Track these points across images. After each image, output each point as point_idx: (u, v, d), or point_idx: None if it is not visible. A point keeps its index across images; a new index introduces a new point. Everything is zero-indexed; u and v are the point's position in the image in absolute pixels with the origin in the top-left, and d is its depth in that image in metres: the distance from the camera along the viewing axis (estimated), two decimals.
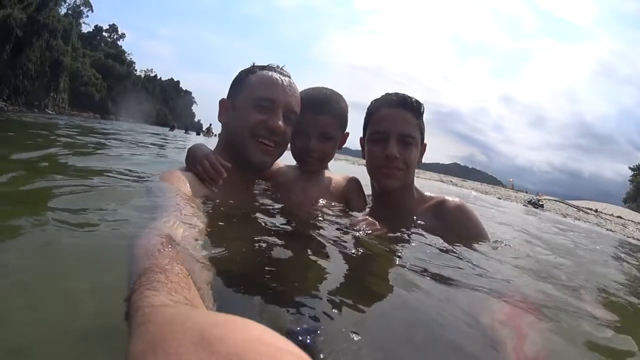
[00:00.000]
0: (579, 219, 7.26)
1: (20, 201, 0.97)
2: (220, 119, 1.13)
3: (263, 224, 0.97)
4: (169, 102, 68.37)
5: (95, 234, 0.70)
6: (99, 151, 2.95)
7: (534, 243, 1.83)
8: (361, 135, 1.30)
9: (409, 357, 0.57)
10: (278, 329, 0.42)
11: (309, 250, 0.87)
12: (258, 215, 1.02)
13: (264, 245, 0.81)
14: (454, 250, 1.03)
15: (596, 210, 13.52)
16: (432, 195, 1.29)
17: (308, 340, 0.51)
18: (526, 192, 21.01)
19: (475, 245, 1.12)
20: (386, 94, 1.25)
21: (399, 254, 0.97)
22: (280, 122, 1.04)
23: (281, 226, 0.98)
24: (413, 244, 1.04)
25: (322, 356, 0.49)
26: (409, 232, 1.12)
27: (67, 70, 35.31)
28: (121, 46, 47.69)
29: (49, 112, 31.73)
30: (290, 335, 0.51)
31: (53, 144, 3.18)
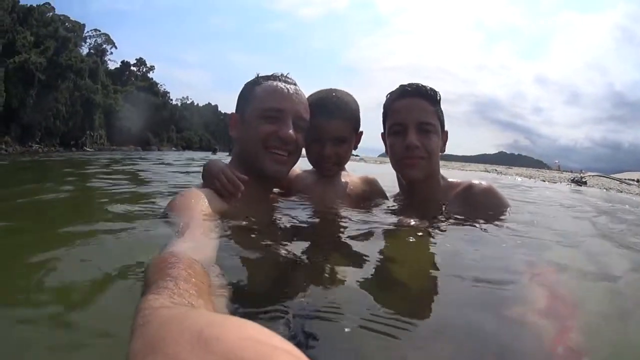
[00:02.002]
0: (621, 191, 7.15)
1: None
2: (231, 133, 1.13)
3: (284, 233, 0.98)
4: (209, 127, 70.00)
5: (112, 256, 0.75)
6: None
7: (577, 218, 1.80)
8: (387, 133, 1.29)
9: (444, 346, 0.58)
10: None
11: (333, 257, 0.86)
12: (278, 225, 1.04)
13: (285, 256, 0.82)
14: (485, 234, 1.03)
15: (638, 180, 13.24)
16: (459, 181, 1.27)
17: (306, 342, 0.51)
18: (571, 172, 20.20)
19: (505, 226, 1.11)
20: (400, 85, 1.24)
21: (433, 245, 0.96)
22: (291, 131, 1.04)
23: (303, 234, 0.99)
24: (445, 234, 1.03)
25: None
26: (440, 222, 1.12)
27: (99, 107, 36.43)
28: (152, 78, 49.41)
29: (88, 149, 32.61)
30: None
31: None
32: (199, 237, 0.67)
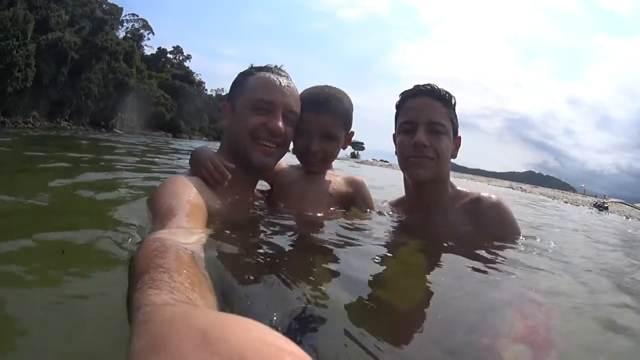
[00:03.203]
0: None
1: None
2: (221, 122, 1.14)
3: (266, 227, 0.99)
4: None
5: (98, 242, 0.78)
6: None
7: (583, 242, 1.75)
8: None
9: None
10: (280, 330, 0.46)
11: (312, 254, 0.87)
12: (261, 218, 1.06)
13: (267, 248, 0.84)
14: (483, 253, 0.99)
15: None
16: (467, 191, 1.23)
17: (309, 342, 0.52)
18: (595, 197, 20.30)
19: (507, 247, 1.07)
20: (415, 85, 1.22)
21: (422, 258, 0.96)
22: (280, 123, 1.04)
23: (284, 229, 1.00)
24: (442, 247, 1.01)
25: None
26: (439, 233, 1.11)
27: (133, 91, 36.93)
28: (188, 67, 49.97)
29: (117, 131, 33.09)
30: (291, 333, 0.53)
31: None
32: (185, 224, 0.67)
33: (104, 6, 32.64)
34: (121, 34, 37.10)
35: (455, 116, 1.19)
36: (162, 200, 0.79)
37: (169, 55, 47.92)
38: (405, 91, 1.21)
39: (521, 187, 16.90)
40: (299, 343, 0.26)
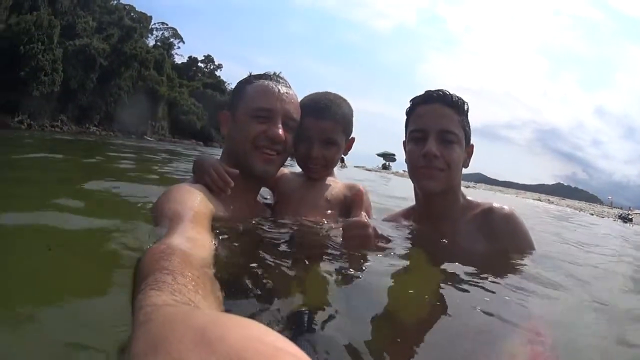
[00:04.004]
0: None
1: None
2: (222, 131, 1.16)
3: (267, 233, 1.00)
4: None
5: (102, 250, 0.77)
6: None
7: (602, 257, 1.70)
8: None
9: None
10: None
11: (313, 261, 0.87)
12: (263, 224, 1.06)
13: (268, 254, 0.84)
14: (492, 267, 0.97)
15: None
16: (479, 201, 1.21)
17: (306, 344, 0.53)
18: (620, 208, 19.91)
19: (519, 262, 1.04)
20: (426, 91, 1.19)
21: (429, 269, 0.93)
22: (280, 131, 1.04)
23: (285, 236, 1.00)
24: (450, 259, 0.99)
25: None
26: (448, 244, 1.08)
27: (163, 99, 37.16)
28: (219, 76, 50.28)
29: (148, 138, 33.18)
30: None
31: None
32: (190, 230, 0.68)
33: (132, 14, 33.32)
34: (151, 42, 37.86)
35: (468, 123, 1.15)
36: (167, 206, 0.80)
37: (200, 64, 48.56)
38: (416, 97, 1.17)
39: (549, 199, 17.07)
40: (297, 343, 0.26)
